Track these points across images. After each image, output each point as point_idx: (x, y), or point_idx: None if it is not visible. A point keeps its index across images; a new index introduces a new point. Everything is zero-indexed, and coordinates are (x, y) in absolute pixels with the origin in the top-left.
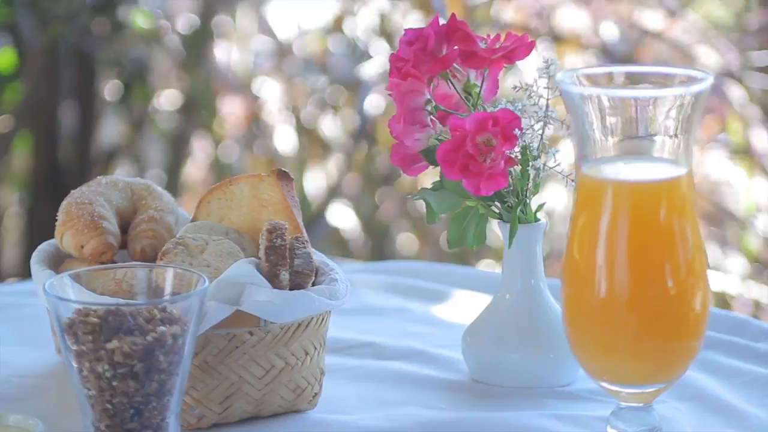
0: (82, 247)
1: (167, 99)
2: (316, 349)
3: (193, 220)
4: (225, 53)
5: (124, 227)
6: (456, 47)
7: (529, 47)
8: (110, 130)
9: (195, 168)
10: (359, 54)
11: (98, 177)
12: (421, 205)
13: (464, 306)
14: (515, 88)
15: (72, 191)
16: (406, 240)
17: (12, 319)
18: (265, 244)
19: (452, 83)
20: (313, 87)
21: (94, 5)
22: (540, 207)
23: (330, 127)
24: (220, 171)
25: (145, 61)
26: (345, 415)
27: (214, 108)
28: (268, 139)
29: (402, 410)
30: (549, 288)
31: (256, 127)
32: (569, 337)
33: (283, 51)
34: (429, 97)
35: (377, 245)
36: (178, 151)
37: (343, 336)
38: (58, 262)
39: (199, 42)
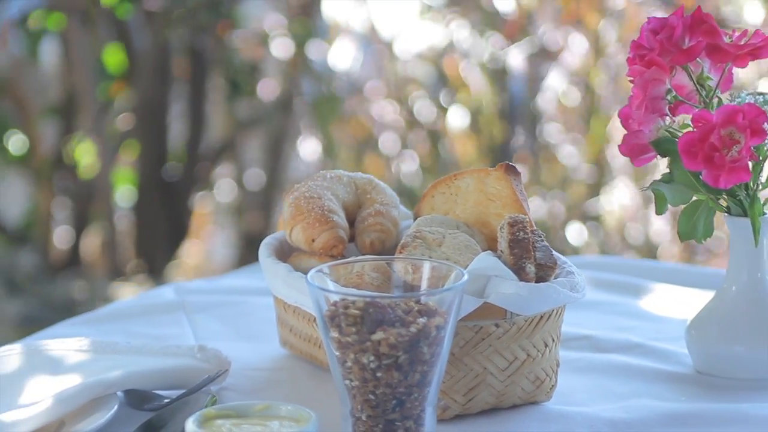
0: (313, 240)
1: (273, 98)
2: (553, 341)
3: (416, 215)
4: (330, 53)
5: (349, 221)
6: (701, 40)
7: None
8: (217, 129)
9: (296, 168)
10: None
11: (321, 171)
12: None
13: (667, 299)
14: None
15: (296, 186)
16: None
17: (225, 316)
18: (508, 238)
19: (691, 75)
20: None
21: (210, 4)
22: None
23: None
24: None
25: (255, 61)
26: (582, 407)
27: (334, 107)
28: (378, 137)
29: (636, 402)
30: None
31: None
32: None
33: (389, 49)
34: (669, 86)
35: None
36: (279, 150)
37: None
38: (282, 255)
39: (305, 40)
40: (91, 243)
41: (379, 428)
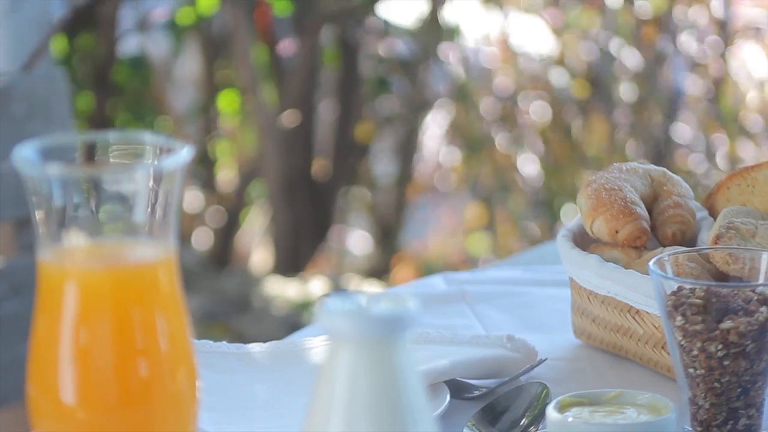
0: (617, 232)
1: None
2: None
3: (710, 208)
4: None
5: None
6: None
7: None
8: (359, 126)
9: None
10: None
11: (615, 164)
12: None
13: None
14: None
15: (592, 178)
16: None
17: (507, 307)
18: None
19: None
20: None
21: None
22: None
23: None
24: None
25: (406, 57)
26: None
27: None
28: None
29: None
30: None
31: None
32: None
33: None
34: None
35: None
36: (411, 147)
37: None
38: (578, 246)
39: (432, 39)
40: (242, 239)
41: (722, 416)
